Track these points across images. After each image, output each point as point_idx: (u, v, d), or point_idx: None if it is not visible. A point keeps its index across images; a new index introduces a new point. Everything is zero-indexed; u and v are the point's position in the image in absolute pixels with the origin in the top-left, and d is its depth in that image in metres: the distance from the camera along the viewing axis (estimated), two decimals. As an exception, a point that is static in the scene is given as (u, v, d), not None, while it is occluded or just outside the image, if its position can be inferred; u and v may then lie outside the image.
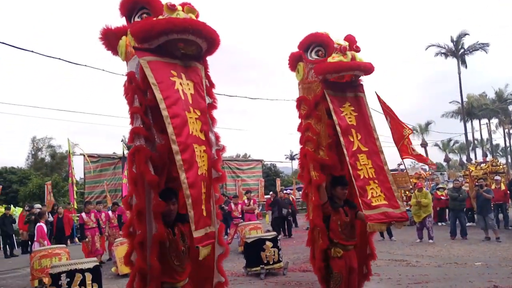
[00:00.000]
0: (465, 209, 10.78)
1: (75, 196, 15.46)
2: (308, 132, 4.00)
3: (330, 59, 3.77)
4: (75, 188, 15.52)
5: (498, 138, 44.89)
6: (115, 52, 3.07)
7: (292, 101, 5.09)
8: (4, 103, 49.77)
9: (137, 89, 2.81)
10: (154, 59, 2.66)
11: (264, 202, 17.96)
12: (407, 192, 14.98)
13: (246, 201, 11.29)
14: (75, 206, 15.15)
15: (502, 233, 9.71)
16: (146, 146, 2.76)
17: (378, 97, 7.47)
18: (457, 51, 32.19)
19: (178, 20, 2.61)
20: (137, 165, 2.69)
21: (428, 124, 40.58)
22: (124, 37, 2.95)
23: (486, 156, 27.69)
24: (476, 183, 10.38)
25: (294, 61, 4.20)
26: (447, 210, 12.18)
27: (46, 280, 6.08)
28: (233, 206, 10.80)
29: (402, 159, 8.73)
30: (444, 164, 47.09)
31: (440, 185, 13.84)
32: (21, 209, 14.13)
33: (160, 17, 2.68)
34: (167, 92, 2.60)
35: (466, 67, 32.65)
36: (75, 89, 74.43)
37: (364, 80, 4.09)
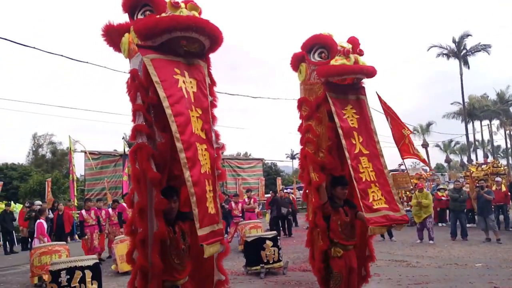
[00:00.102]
0: (465, 210, 10.77)
1: (75, 193, 15.48)
2: (308, 134, 3.99)
3: (333, 62, 3.76)
4: (75, 185, 15.54)
5: (499, 139, 45.05)
6: (117, 49, 3.06)
7: (293, 100, 5.08)
8: (6, 99, 49.74)
9: (140, 86, 2.80)
10: (157, 57, 2.66)
11: (265, 201, 17.97)
12: (407, 193, 14.98)
13: (246, 199, 11.29)
14: (76, 203, 15.16)
15: (503, 234, 9.70)
16: (148, 143, 2.75)
17: (379, 97, 7.45)
18: (459, 52, 32.13)
19: (182, 17, 2.60)
20: (139, 162, 2.69)
21: (429, 124, 40.58)
22: (127, 34, 2.94)
23: (487, 157, 27.65)
24: (477, 184, 10.37)
25: (297, 62, 4.19)
26: (447, 211, 12.16)
27: (46, 277, 6.07)
28: (233, 204, 10.79)
29: (403, 159, 8.69)
30: (445, 165, 47.08)
31: (441, 186, 13.84)
32: (22, 205, 14.14)
33: (163, 14, 2.68)
34: (170, 90, 2.59)
35: (468, 67, 32.61)
36: (76, 86, 74.54)
37: (365, 81, 4.09)
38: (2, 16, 61.20)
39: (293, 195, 17.65)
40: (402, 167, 14.10)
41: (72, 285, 4.78)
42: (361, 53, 3.85)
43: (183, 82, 2.71)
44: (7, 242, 12.23)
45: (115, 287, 6.35)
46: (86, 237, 9.02)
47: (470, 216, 12.24)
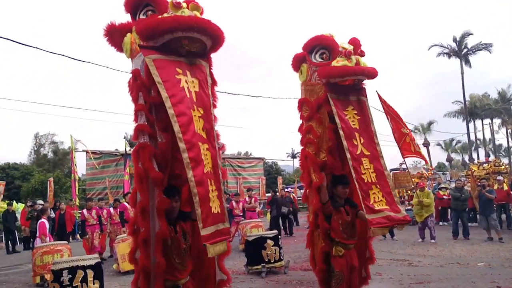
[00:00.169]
0: (467, 209, 10.75)
1: (77, 193, 15.49)
2: (309, 134, 3.99)
3: (334, 63, 3.76)
4: (77, 185, 15.55)
5: (501, 138, 44.82)
6: (119, 49, 3.07)
7: (294, 100, 5.08)
8: (8, 99, 49.90)
9: (142, 86, 2.81)
10: (159, 57, 2.67)
11: (266, 200, 17.97)
12: (409, 192, 14.96)
13: (247, 199, 11.29)
14: (77, 203, 15.18)
15: (505, 233, 9.68)
16: (150, 143, 2.77)
17: (379, 96, 7.44)
18: (460, 51, 32.04)
19: (183, 18, 2.61)
20: (141, 162, 2.70)
21: (430, 123, 40.49)
22: (129, 34, 2.95)
23: (489, 156, 27.58)
24: (479, 183, 10.35)
25: (298, 62, 4.19)
26: (449, 210, 12.14)
27: (48, 276, 6.10)
28: (234, 204, 10.79)
29: (404, 158, 8.70)
30: (447, 164, 46.99)
31: (442, 185, 13.81)
32: (23, 205, 14.17)
33: (165, 14, 2.68)
34: (172, 90, 2.60)
35: (470, 66, 32.52)
36: (77, 85, 74.59)
37: (365, 82, 4.09)
38: (3, 16, 61.31)
39: (293, 194, 17.65)
40: (403, 166, 14.09)
41: (74, 285, 4.79)
42: (362, 54, 3.85)
43: (185, 81, 2.72)
44: (9, 242, 12.26)
45: (116, 286, 6.37)
46: (87, 236, 9.04)
47: (472, 215, 12.22)
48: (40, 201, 13.23)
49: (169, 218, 2.75)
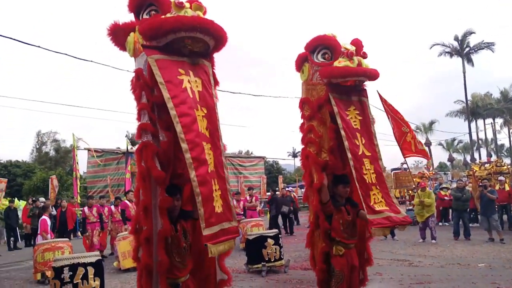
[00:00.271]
0: (468, 209, 10.72)
1: (78, 190, 15.52)
2: (310, 134, 3.99)
3: (336, 63, 3.76)
4: (78, 183, 15.58)
5: (503, 138, 44.74)
6: (122, 48, 3.08)
7: (295, 99, 5.07)
8: (10, 97, 50.11)
9: (144, 85, 2.83)
10: (162, 58, 2.68)
11: (266, 199, 17.97)
12: (410, 192, 14.93)
13: (248, 198, 11.30)
14: (79, 200, 15.22)
15: (506, 234, 9.66)
16: (153, 142, 2.78)
17: (380, 95, 7.44)
18: (462, 50, 31.92)
19: (186, 18, 2.61)
20: (144, 161, 2.72)
21: (432, 123, 40.38)
22: (132, 34, 2.96)
23: (491, 156, 27.51)
24: (480, 184, 10.32)
25: (301, 62, 4.19)
26: (450, 210, 12.12)
27: (48, 273, 6.12)
28: (235, 202, 10.79)
29: (405, 157, 8.65)
30: (448, 163, 46.88)
31: (444, 185, 13.78)
32: (25, 202, 14.22)
33: (168, 14, 2.69)
34: (174, 91, 2.61)
35: (473, 65, 32.38)
36: (79, 84, 74.67)
37: (366, 82, 4.08)
38: (5, 15, 61.41)
39: (294, 194, 17.64)
40: (405, 166, 14.07)
41: (74, 282, 4.82)
42: (364, 55, 3.86)
43: (188, 81, 2.73)
44: (11, 239, 12.31)
45: (117, 284, 6.38)
46: (87, 234, 9.07)
47: (473, 216, 12.18)
48: (42, 199, 13.28)
49: (170, 217, 2.76)
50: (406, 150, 8.24)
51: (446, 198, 12.04)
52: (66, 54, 9.70)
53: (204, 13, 2.81)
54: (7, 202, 13.19)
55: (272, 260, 6.54)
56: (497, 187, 10.95)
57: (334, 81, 3.79)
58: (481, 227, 10.06)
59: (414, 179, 12.96)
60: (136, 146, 3.10)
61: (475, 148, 36.41)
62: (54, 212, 11.55)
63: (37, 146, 34.21)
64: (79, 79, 73.10)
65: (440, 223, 12.49)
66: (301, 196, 19.51)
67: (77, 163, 15.82)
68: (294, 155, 53.25)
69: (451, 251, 8.03)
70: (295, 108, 4.31)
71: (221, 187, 2.69)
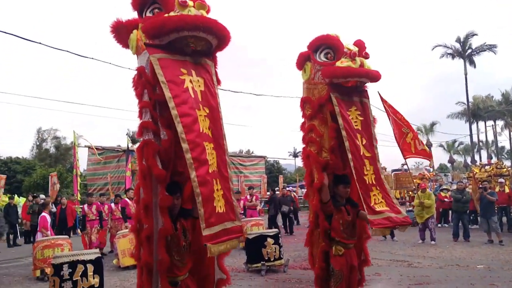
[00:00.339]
0: (468, 211, 10.72)
1: (78, 188, 15.54)
2: (311, 133, 4.00)
3: (338, 63, 3.77)
4: (79, 180, 15.60)
5: (504, 140, 44.59)
6: (125, 45, 3.08)
7: (296, 99, 5.07)
8: (10, 93, 50.10)
9: (147, 83, 2.83)
10: (164, 57, 2.68)
11: (267, 199, 17.99)
12: (410, 193, 14.92)
13: (248, 197, 11.31)
14: (79, 198, 15.24)
15: (505, 236, 9.67)
16: (154, 140, 2.78)
17: (381, 96, 7.44)
18: (464, 52, 31.87)
19: (190, 17, 2.61)
20: (145, 159, 2.72)
21: (433, 124, 40.36)
22: (135, 31, 2.96)
23: (491, 158, 27.53)
24: (480, 186, 10.32)
25: (303, 61, 4.18)
26: (450, 212, 12.12)
27: (48, 270, 6.13)
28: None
29: (405, 158, 8.65)
30: (448, 165, 46.83)
31: (444, 187, 13.79)
32: (25, 199, 14.24)
33: (172, 13, 2.68)
34: (176, 91, 2.61)
35: (475, 66, 32.33)
36: (80, 82, 74.67)
37: (368, 84, 4.08)
38: (6, 12, 61.47)
39: (295, 193, 17.65)
40: (405, 167, 14.05)
41: (74, 279, 4.82)
42: (366, 56, 3.86)
43: (190, 81, 2.72)
44: (11, 235, 12.33)
45: (116, 281, 6.40)
46: (86, 231, 9.08)
47: (473, 218, 12.19)
48: (42, 196, 13.29)
49: (170, 215, 2.76)
50: (406, 151, 8.23)
51: (446, 199, 12.05)
52: (68, 51, 9.71)
53: (208, 12, 2.80)
54: (6, 199, 13.21)
55: (271, 260, 6.55)
56: (497, 189, 10.95)
57: (336, 81, 3.80)
58: (481, 228, 10.07)
59: (415, 180, 12.95)
60: (137, 144, 3.09)
61: (475, 150, 36.38)
62: (54, 209, 11.56)
63: (38, 143, 34.23)
64: (81, 77, 73.24)
65: (440, 225, 12.50)
66: (301, 196, 19.55)
67: (78, 160, 15.82)
68: (295, 155, 53.21)
69: (450, 252, 8.04)
70: (296, 107, 4.31)
71: (223, 186, 2.68)
